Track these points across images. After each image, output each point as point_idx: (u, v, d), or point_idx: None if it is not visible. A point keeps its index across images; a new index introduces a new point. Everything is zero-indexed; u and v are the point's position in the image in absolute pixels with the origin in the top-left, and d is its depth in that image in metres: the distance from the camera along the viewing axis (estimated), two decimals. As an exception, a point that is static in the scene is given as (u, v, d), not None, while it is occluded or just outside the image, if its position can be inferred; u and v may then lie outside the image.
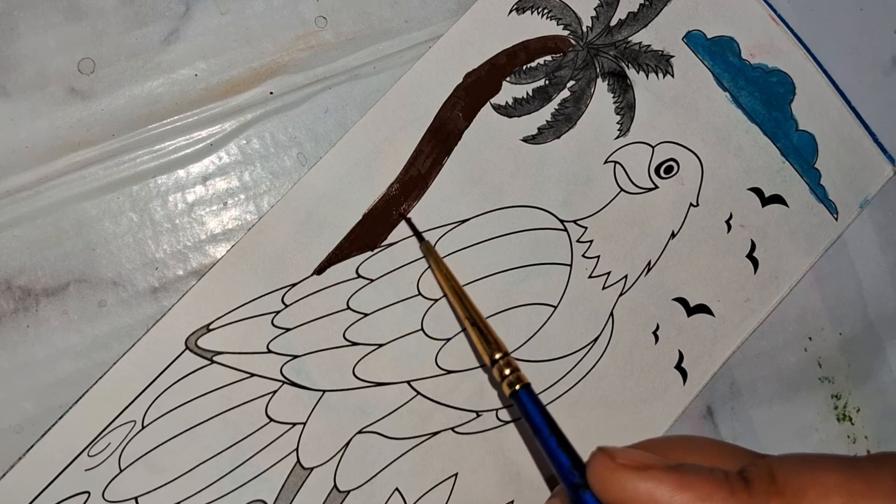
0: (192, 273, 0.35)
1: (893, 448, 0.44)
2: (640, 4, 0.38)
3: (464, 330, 0.35)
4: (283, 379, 0.33)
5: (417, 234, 0.35)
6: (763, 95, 0.39)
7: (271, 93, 0.36)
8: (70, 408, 0.32)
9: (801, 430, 0.44)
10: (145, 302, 0.35)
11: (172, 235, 0.35)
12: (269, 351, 0.34)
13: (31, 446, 0.31)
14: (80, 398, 0.32)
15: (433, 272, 0.35)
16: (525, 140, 0.37)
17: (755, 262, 0.38)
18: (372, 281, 0.35)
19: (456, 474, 0.35)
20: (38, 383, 0.33)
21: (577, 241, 0.36)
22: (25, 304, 0.34)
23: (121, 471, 0.32)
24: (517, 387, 0.31)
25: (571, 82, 0.37)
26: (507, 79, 0.37)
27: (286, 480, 0.33)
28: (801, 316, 0.43)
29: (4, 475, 0.31)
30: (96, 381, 0.32)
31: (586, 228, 0.37)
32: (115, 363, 0.32)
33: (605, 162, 0.37)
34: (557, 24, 0.37)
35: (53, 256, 0.34)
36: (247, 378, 0.33)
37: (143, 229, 0.35)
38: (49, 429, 0.32)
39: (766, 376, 0.43)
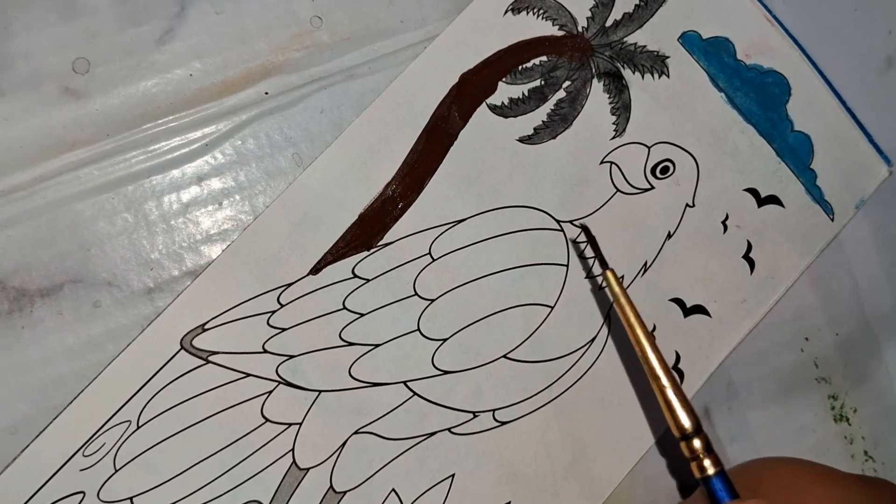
0: (187, 273, 0.35)
1: (890, 448, 0.44)
2: (636, 5, 0.38)
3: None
4: (278, 379, 0.33)
5: (601, 259, 0.34)
6: (758, 96, 0.39)
7: (266, 93, 0.36)
8: (65, 408, 0.32)
9: (799, 430, 0.44)
10: (140, 302, 0.35)
11: (167, 236, 0.35)
12: (265, 351, 0.33)
13: (26, 446, 0.31)
14: (75, 398, 0.32)
15: (617, 309, 0.33)
16: (521, 140, 0.37)
17: (751, 263, 0.38)
18: (368, 281, 0.35)
19: (453, 475, 0.35)
20: (33, 384, 0.33)
21: (574, 241, 0.36)
22: (20, 305, 0.34)
23: (116, 471, 0.32)
24: (710, 472, 0.31)
25: (567, 83, 0.37)
26: (503, 79, 0.37)
27: (282, 481, 0.33)
28: (797, 316, 0.43)
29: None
30: (91, 381, 0.32)
31: (583, 229, 0.37)
32: (109, 363, 0.32)
33: (601, 162, 0.37)
34: (553, 25, 0.37)
35: (48, 257, 0.34)
36: (242, 378, 0.33)
37: (137, 229, 0.35)
38: (44, 429, 0.31)
39: (762, 377, 0.43)
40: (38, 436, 0.31)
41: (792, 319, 0.42)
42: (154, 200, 0.35)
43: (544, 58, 0.37)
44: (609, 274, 0.33)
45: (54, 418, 0.32)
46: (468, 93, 0.36)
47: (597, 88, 0.37)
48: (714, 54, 0.38)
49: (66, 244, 0.34)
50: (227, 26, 0.36)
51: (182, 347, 0.33)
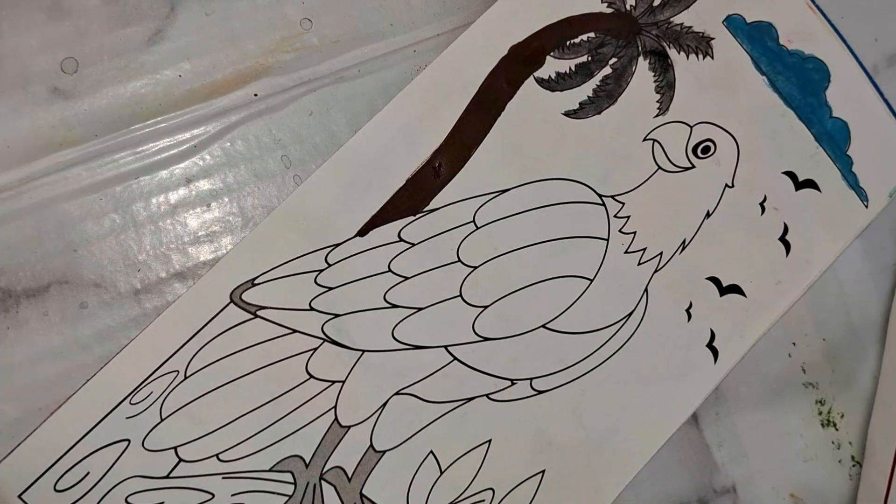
0: (174, 275, 0.35)
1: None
2: (683, -14, 0.39)
3: None
4: (324, 337, 0.33)
5: None
6: (799, 81, 0.39)
7: (256, 95, 0.36)
8: (116, 354, 0.31)
9: (786, 435, 0.44)
10: (127, 304, 0.34)
11: (155, 237, 0.35)
12: (312, 308, 0.33)
13: (75, 392, 0.31)
14: (125, 346, 0.31)
15: None
16: (567, 114, 0.37)
17: (787, 246, 0.38)
18: (413, 245, 0.35)
19: (490, 441, 0.35)
20: (18, 385, 0.33)
21: (615, 216, 0.37)
22: (6, 306, 0.33)
23: (161, 420, 0.32)
24: None
25: (613, 59, 0.38)
26: (551, 53, 0.37)
27: (323, 437, 0.33)
28: (784, 321, 0.44)
29: (47, 418, 0.30)
30: (142, 330, 0.31)
31: (624, 204, 0.37)
32: (159, 316, 0.32)
33: (644, 140, 0.37)
34: (602, 2, 0.38)
35: (34, 257, 0.34)
36: (289, 334, 0.33)
37: (125, 231, 0.35)
38: (94, 374, 0.31)
39: (750, 382, 0.43)
40: (87, 381, 0.31)
41: (779, 324, 0.43)
42: (142, 201, 0.35)
43: (592, 34, 0.38)
44: None
45: (103, 366, 0.31)
46: (517, 65, 0.36)
47: (642, 66, 0.38)
48: (757, 38, 0.39)
49: (52, 245, 0.34)
50: (216, 28, 0.36)
51: (231, 301, 0.33)
